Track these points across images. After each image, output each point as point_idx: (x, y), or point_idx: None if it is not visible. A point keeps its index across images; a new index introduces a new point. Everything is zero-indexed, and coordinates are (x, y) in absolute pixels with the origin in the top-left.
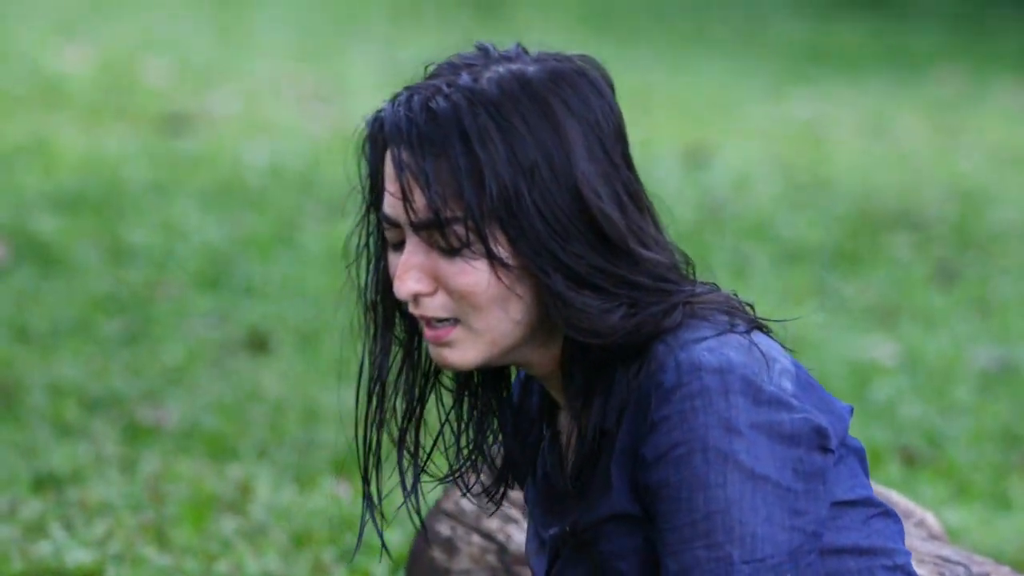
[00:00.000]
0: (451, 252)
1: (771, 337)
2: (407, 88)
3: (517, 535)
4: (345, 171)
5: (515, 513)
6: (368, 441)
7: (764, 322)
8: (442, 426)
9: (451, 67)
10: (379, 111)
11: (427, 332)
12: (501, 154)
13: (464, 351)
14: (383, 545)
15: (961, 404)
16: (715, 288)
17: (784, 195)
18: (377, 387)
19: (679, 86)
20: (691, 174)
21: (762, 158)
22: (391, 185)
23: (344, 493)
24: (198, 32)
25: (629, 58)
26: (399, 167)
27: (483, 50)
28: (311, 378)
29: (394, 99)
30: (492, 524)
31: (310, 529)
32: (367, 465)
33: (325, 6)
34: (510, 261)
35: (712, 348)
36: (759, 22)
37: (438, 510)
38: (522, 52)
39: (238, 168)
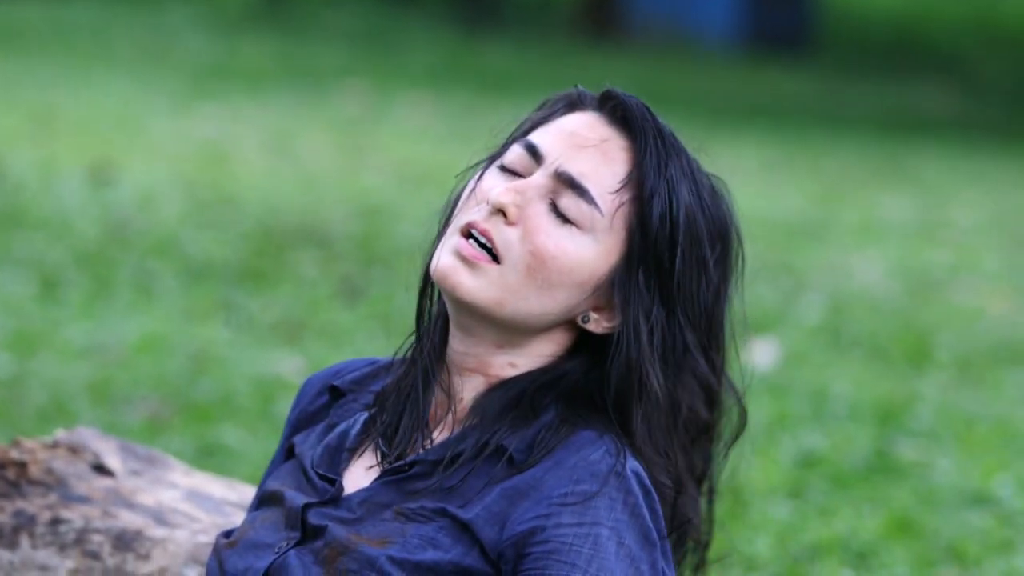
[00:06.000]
0: (567, 220)
1: None
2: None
3: None
4: None
5: None
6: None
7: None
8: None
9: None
10: (615, 91)
11: (461, 243)
12: (682, 203)
13: (479, 287)
14: None
15: None
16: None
17: (190, 212)
18: (428, 287)
19: (83, 104)
20: (96, 192)
21: (168, 176)
22: (574, 137)
23: None
24: None
25: (31, 75)
26: (641, 146)
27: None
28: None
29: (626, 94)
30: None
31: None
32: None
33: None
34: (620, 273)
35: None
36: (165, 39)
37: None
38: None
39: None
